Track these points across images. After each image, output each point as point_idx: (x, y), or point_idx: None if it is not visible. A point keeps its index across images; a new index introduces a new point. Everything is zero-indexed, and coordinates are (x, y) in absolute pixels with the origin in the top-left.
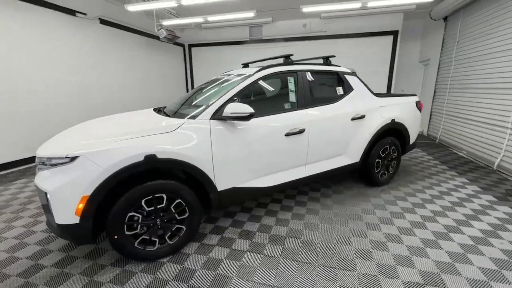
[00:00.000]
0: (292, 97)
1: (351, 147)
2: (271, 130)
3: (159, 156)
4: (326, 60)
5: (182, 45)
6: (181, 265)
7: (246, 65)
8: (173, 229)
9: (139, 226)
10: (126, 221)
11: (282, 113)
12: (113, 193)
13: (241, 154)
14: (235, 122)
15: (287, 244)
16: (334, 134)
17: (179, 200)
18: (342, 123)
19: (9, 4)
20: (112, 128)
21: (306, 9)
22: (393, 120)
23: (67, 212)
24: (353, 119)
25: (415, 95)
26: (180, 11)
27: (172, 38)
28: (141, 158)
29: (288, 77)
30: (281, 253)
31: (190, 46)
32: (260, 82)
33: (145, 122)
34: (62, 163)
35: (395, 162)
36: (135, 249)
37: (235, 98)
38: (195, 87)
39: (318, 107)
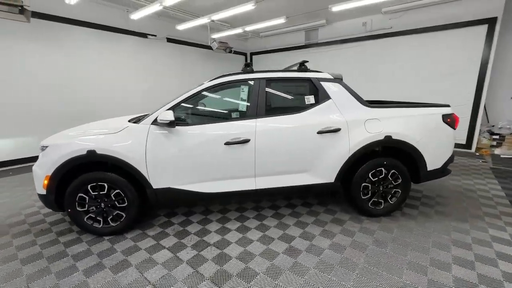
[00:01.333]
0: (242, 106)
1: (320, 164)
2: (209, 138)
3: (98, 151)
4: (301, 66)
5: (244, 53)
6: (111, 244)
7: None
8: (113, 214)
9: (86, 205)
10: (77, 199)
11: (227, 122)
12: (73, 176)
13: (177, 158)
14: (173, 128)
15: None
16: (292, 147)
17: (118, 190)
18: (303, 136)
19: (101, 35)
20: (85, 128)
21: (336, 8)
22: (388, 136)
23: (39, 185)
24: (320, 132)
25: (447, 105)
26: (234, 22)
27: (226, 49)
28: (84, 152)
29: (242, 86)
30: (189, 258)
31: (252, 54)
32: (207, 92)
33: (106, 125)
34: (42, 150)
35: (399, 190)
36: (84, 223)
37: (182, 105)
38: None
39: (274, 117)
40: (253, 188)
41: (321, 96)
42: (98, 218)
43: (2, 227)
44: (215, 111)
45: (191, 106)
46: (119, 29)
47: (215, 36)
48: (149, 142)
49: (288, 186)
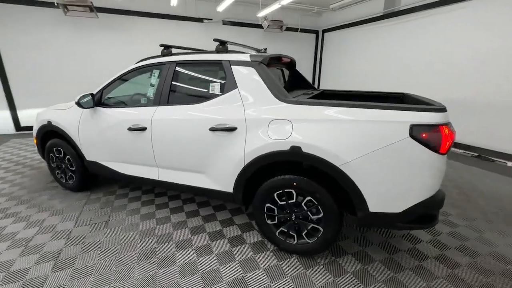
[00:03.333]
0: (150, 92)
1: (214, 168)
2: (116, 122)
3: (53, 123)
4: (220, 46)
5: (315, 31)
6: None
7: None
8: (69, 174)
9: (54, 159)
10: (50, 154)
11: (135, 107)
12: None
13: (97, 136)
14: (93, 109)
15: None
16: (183, 142)
17: (68, 157)
18: (194, 132)
19: (162, 24)
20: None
21: None
22: (296, 148)
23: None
24: (212, 129)
25: (439, 108)
26: None
27: (281, 27)
28: (45, 122)
29: (154, 71)
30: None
31: (324, 31)
32: (128, 77)
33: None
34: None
35: (319, 228)
36: (54, 175)
37: (106, 89)
38: (321, 74)
39: (173, 106)
40: (157, 178)
41: (228, 84)
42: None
43: None
44: (130, 96)
45: (113, 89)
46: (177, 16)
47: (263, 13)
48: (82, 118)
49: (188, 185)
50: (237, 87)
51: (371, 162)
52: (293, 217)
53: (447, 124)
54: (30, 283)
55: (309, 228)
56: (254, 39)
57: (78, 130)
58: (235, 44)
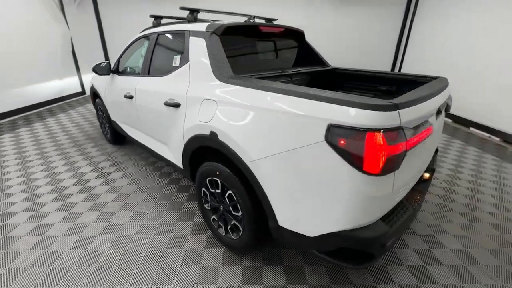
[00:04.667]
0: (140, 63)
1: (170, 141)
2: (119, 89)
3: (94, 86)
4: (190, 14)
5: None
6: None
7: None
8: None
9: None
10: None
11: (131, 76)
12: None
13: (112, 100)
14: (111, 75)
15: None
16: (151, 114)
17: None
18: (156, 105)
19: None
20: None
21: None
22: (213, 134)
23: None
24: (165, 103)
25: (386, 105)
26: None
27: None
28: (91, 85)
29: (145, 42)
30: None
31: None
32: (132, 47)
33: None
34: None
35: (238, 226)
36: None
37: (121, 58)
38: (409, 41)
39: (149, 77)
40: (144, 143)
41: (184, 57)
42: None
43: None
44: (131, 66)
45: (124, 59)
46: None
47: None
48: (106, 83)
49: (160, 154)
50: (189, 60)
51: (280, 165)
52: (221, 208)
53: (388, 130)
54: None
55: (232, 223)
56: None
57: (104, 93)
58: (219, 12)
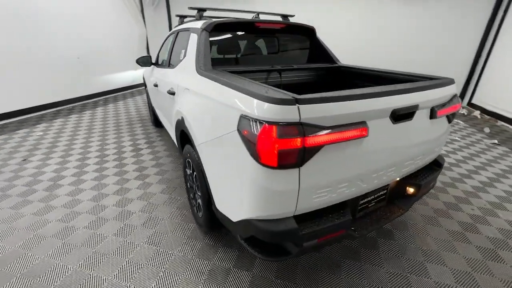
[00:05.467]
0: (166, 56)
1: (170, 124)
2: (153, 78)
3: (144, 76)
4: (198, 13)
5: None
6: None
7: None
8: None
9: None
10: None
11: (159, 68)
12: None
13: (149, 88)
14: (152, 67)
15: None
16: (163, 100)
17: None
18: (165, 93)
19: None
20: None
21: None
22: (180, 121)
23: None
24: (168, 92)
25: (277, 100)
26: None
27: None
28: (142, 75)
29: (171, 38)
30: None
31: None
32: (165, 42)
33: None
34: None
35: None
36: None
37: (159, 51)
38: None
39: (169, 69)
40: (166, 128)
41: (185, 51)
42: None
43: None
44: (161, 59)
45: (161, 52)
46: None
47: None
48: (150, 74)
49: (172, 138)
50: (186, 54)
51: (213, 150)
52: (194, 187)
53: (284, 124)
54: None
55: (197, 203)
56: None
57: (146, 82)
58: (224, 10)
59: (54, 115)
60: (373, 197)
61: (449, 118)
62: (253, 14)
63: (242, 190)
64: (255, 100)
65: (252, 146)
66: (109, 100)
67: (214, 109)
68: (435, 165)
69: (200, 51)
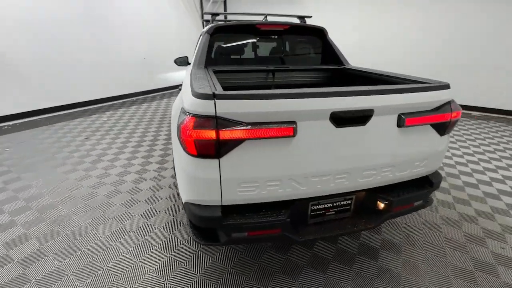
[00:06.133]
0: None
1: None
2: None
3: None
4: (212, 17)
5: None
6: None
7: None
8: None
9: None
10: None
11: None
12: None
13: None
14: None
15: None
16: None
17: None
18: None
19: None
20: None
21: None
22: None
23: None
24: (178, 88)
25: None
26: None
27: None
28: None
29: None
30: None
31: None
32: None
33: None
34: None
35: None
36: None
37: None
38: None
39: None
40: None
41: (195, 52)
42: None
43: None
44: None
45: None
46: None
47: None
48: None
49: None
50: (194, 54)
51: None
52: None
53: (200, 117)
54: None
55: None
56: None
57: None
58: (234, 14)
59: (120, 105)
60: (331, 205)
61: (439, 129)
62: (263, 17)
63: (180, 176)
64: (189, 95)
65: (180, 136)
66: (165, 95)
67: (179, 99)
68: (427, 183)
69: (198, 51)
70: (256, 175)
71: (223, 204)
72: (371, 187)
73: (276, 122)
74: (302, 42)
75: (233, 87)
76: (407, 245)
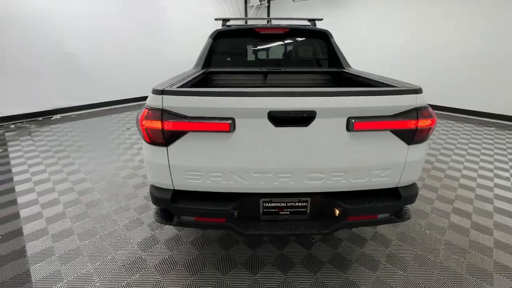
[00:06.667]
0: None
1: None
2: None
3: None
4: (223, 22)
5: None
6: None
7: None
8: None
9: None
10: None
11: None
12: None
13: None
14: None
15: None
16: None
17: None
18: None
19: None
20: None
21: None
22: None
23: None
24: None
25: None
26: None
27: None
28: None
29: None
30: None
31: None
32: None
33: None
34: None
35: None
36: None
37: None
38: None
39: None
40: None
41: None
42: None
43: None
44: None
45: None
46: None
47: None
48: None
49: None
50: None
51: None
52: None
53: (151, 109)
54: None
55: None
56: None
57: None
58: (242, 19)
59: None
60: (284, 204)
61: (404, 137)
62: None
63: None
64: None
65: (137, 126)
66: None
67: None
68: (395, 196)
69: (200, 54)
70: (199, 165)
71: (175, 188)
72: (325, 191)
73: (214, 117)
74: (303, 45)
75: (222, 87)
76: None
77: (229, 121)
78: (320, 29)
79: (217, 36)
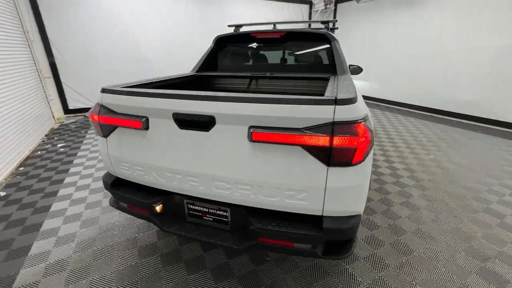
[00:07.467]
0: None
1: None
2: None
3: None
4: (236, 28)
5: None
6: None
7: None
8: None
9: None
10: None
11: None
12: None
13: None
14: None
15: None
16: None
17: None
18: None
19: None
20: None
21: None
22: None
23: None
24: None
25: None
26: None
27: None
28: None
29: None
30: None
31: None
32: None
33: None
34: None
35: None
36: None
37: None
38: None
39: None
40: None
41: None
42: None
43: None
44: None
45: None
46: None
47: None
48: None
49: None
50: None
51: None
52: None
53: (97, 104)
54: None
55: None
56: None
57: None
58: (251, 24)
59: None
60: (206, 210)
61: (320, 156)
62: (274, 25)
63: None
64: None
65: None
66: None
67: None
68: (319, 227)
69: (202, 58)
70: (126, 158)
71: (116, 176)
72: (238, 203)
73: (131, 115)
74: (302, 49)
75: (212, 90)
76: None
77: (142, 119)
78: (321, 31)
79: (218, 42)
